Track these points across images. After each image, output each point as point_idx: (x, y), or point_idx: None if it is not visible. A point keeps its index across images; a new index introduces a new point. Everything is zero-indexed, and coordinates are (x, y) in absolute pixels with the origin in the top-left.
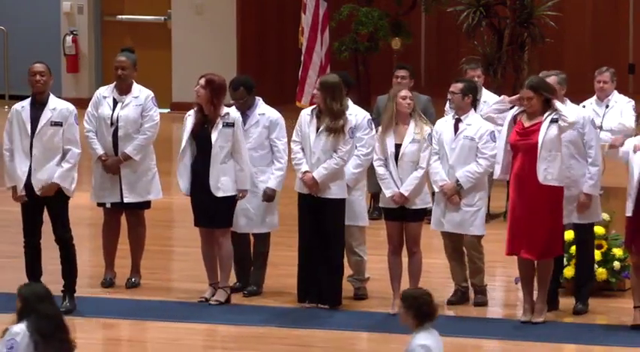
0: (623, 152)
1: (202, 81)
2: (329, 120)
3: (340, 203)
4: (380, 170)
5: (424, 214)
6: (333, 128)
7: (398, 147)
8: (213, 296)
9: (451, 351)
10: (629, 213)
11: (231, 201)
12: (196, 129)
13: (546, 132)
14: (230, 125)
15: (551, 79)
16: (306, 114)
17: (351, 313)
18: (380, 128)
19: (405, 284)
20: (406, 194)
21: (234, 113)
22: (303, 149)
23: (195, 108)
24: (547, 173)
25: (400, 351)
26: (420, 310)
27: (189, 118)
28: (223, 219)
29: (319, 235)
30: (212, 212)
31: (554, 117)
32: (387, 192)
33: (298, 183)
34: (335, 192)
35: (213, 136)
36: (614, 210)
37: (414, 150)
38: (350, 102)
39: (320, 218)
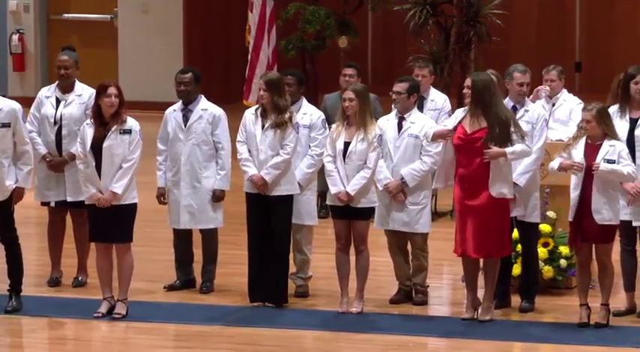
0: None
1: (115, 90)
2: (275, 116)
3: (289, 199)
4: (329, 166)
5: (371, 212)
6: (280, 122)
7: (347, 145)
8: (108, 310)
9: (396, 349)
10: (570, 219)
11: (130, 212)
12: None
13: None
14: (127, 132)
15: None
16: (250, 114)
17: (298, 311)
18: (333, 126)
19: (352, 282)
20: (352, 193)
21: (132, 122)
22: (249, 149)
23: (93, 120)
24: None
25: (347, 350)
26: None
27: (88, 128)
28: (122, 233)
29: (267, 233)
30: (109, 225)
31: None
32: (333, 190)
33: (247, 183)
34: (284, 188)
35: (106, 143)
36: (561, 208)
37: (362, 149)
38: (304, 102)
39: (269, 215)
